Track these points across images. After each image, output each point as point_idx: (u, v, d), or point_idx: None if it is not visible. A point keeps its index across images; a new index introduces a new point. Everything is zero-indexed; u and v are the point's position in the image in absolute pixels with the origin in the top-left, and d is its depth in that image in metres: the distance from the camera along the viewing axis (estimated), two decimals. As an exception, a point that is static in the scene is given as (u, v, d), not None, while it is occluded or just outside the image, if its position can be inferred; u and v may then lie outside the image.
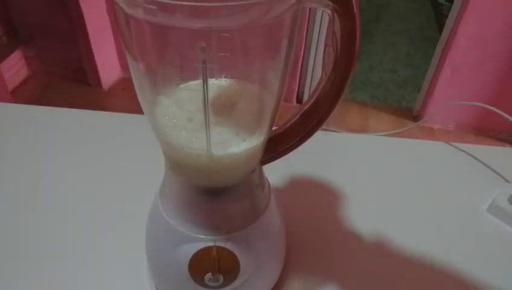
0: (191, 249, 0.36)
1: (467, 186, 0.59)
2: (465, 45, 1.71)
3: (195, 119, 0.31)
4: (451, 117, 1.94)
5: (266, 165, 0.38)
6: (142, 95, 0.31)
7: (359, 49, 0.30)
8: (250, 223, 0.37)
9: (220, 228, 0.36)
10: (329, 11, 0.29)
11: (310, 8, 0.30)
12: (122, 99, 2.05)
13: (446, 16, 1.79)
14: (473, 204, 0.56)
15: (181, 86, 0.32)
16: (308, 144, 0.36)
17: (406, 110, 2.09)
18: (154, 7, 0.23)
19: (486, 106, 0.65)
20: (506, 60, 1.73)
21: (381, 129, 1.88)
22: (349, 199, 0.56)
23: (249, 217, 0.37)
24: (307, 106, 0.35)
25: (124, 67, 2.19)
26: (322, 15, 1.79)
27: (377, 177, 0.59)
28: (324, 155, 0.62)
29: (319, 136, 0.36)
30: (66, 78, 2.14)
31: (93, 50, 1.98)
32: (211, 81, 0.32)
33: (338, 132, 0.68)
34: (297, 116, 0.36)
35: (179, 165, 0.34)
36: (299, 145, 0.36)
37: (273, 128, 0.36)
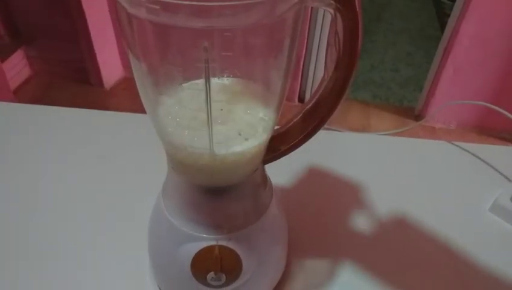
0: (193, 248, 0.36)
1: (469, 185, 0.59)
2: (468, 43, 1.71)
3: (197, 119, 0.31)
4: (453, 116, 1.93)
5: (268, 164, 0.38)
6: (145, 95, 0.32)
7: (361, 48, 0.30)
8: (253, 222, 0.37)
9: (222, 227, 0.36)
10: (331, 11, 0.29)
11: (311, 8, 0.30)
12: (124, 98, 2.05)
13: (448, 15, 1.78)
14: (476, 204, 0.55)
15: (183, 85, 0.32)
16: (310, 143, 0.36)
17: (407, 109, 2.09)
18: (157, 7, 0.23)
19: (489, 105, 0.65)
20: (508, 59, 1.72)
21: (383, 128, 1.88)
22: (351, 198, 0.56)
23: (251, 216, 0.37)
24: (309, 105, 0.35)
25: (126, 66, 2.19)
26: (323, 14, 1.79)
27: (379, 176, 0.59)
28: (326, 154, 0.62)
29: (320, 135, 0.36)
30: (68, 78, 2.14)
31: (95, 49, 1.99)
32: (214, 81, 0.32)
33: (340, 131, 0.68)
34: (300, 116, 0.36)
35: (181, 165, 0.34)
36: (301, 145, 0.36)
37: (275, 127, 0.36)
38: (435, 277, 0.47)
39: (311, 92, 2.03)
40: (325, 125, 0.35)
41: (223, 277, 0.36)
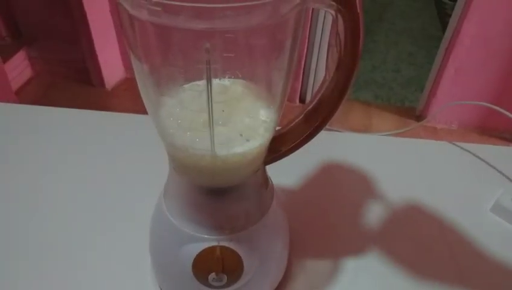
0: (194, 248, 0.36)
1: (471, 186, 0.59)
2: (469, 43, 1.71)
3: (199, 120, 0.31)
4: (454, 116, 1.93)
5: (269, 165, 0.38)
6: (146, 96, 0.32)
7: (362, 49, 0.30)
8: (254, 222, 0.37)
9: (224, 227, 0.36)
10: (332, 12, 0.29)
11: (312, 8, 0.30)
12: (125, 99, 2.05)
13: (450, 15, 1.78)
14: (477, 204, 0.55)
15: (185, 86, 0.32)
16: (311, 143, 0.36)
17: (409, 109, 2.08)
18: (159, 8, 0.24)
19: (490, 105, 0.65)
20: (510, 59, 1.72)
21: (384, 129, 1.88)
22: (353, 199, 0.56)
23: (252, 217, 0.37)
24: (311, 106, 0.35)
25: (127, 67, 2.19)
26: (324, 15, 1.79)
27: (380, 177, 0.59)
28: (327, 155, 0.62)
29: (322, 135, 0.36)
30: (69, 79, 2.15)
31: (96, 50, 1.99)
32: (215, 82, 0.32)
33: (341, 131, 0.68)
34: (301, 116, 0.36)
35: (183, 165, 0.35)
36: (302, 145, 0.36)
37: (277, 128, 0.36)
38: (436, 277, 0.47)
39: (312, 92, 2.03)
40: (327, 126, 0.35)
41: (225, 278, 0.36)
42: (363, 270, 0.47)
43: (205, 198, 0.35)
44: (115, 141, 0.64)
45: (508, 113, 0.61)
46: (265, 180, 0.39)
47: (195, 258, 0.36)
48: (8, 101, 0.72)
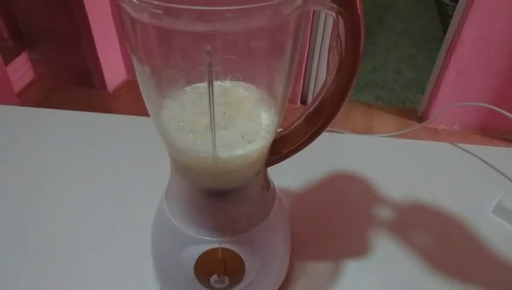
0: (196, 250, 0.36)
1: (472, 187, 0.59)
2: (470, 45, 1.71)
3: (200, 122, 0.31)
4: (456, 118, 1.93)
5: (271, 166, 0.38)
6: (148, 98, 0.32)
7: (363, 51, 0.30)
8: (256, 224, 0.37)
9: (226, 229, 0.36)
10: (333, 14, 0.29)
11: (313, 10, 0.30)
12: (127, 101, 2.06)
13: (450, 16, 1.78)
14: (479, 205, 0.55)
15: (186, 88, 0.32)
16: (313, 145, 0.36)
17: (410, 111, 2.08)
18: (160, 11, 0.24)
19: (492, 106, 0.65)
20: (511, 61, 1.72)
21: (385, 130, 1.88)
22: (354, 201, 0.56)
23: (254, 219, 0.37)
24: (312, 108, 0.35)
25: (129, 69, 2.20)
26: (325, 17, 1.79)
27: (382, 178, 0.59)
28: (329, 156, 0.62)
29: (323, 137, 0.36)
30: (71, 81, 2.15)
31: (98, 52, 2.00)
32: (216, 84, 0.32)
33: (342, 132, 0.68)
34: (302, 118, 0.36)
35: (184, 168, 0.35)
36: (304, 147, 0.36)
37: (278, 130, 0.36)
38: (438, 278, 0.47)
39: (313, 94, 2.03)
40: (328, 127, 0.35)
41: (226, 280, 0.36)
42: (365, 272, 0.47)
43: (207, 200, 0.35)
44: (116, 143, 0.64)
45: (509, 115, 0.61)
46: (267, 182, 0.39)
47: (197, 260, 0.36)
48: (10, 104, 0.72)
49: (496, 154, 0.64)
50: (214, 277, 0.36)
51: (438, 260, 0.49)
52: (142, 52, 0.29)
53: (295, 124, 0.37)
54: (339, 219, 0.53)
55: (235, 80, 0.33)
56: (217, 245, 0.35)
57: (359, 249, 0.49)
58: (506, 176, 0.60)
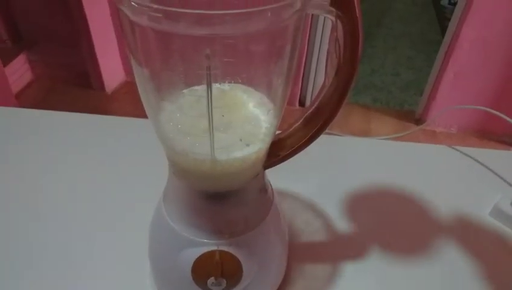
0: (194, 253, 0.36)
1: (470, 190, 0.59)
2: (468, 47, 1.71)
3: (198, 125, 0.31)
4: (454, 120, 1.94)
5: (269, 169, 0.38)
6: (147, 101, 0.32)
7: (361, 54, 0.30)
8: (253, 227, 0.37)
9: (223, 232, 0.36)
10: (332, 17, 0.29)
11: (312, 14, 0.30)
12: (126, 103, 2.06)
13: (449, 19, 1.79)
14: (476, 208, 0.55)
15: (185, 91, 0.33)
16: (311, 147, 0.36)
17: (408, 113, 2.09)
18: (159, 15, 0.24)
19: (490, 109, 0.66)
20: (509, 63, 1.72)
21: (383, 132, 1.88)
22: (352, 203, 0.56)
23: (252, 221, 0.37)
24: (310, 110, 0.35)
25: (128, 71, 2.20)
26: (324, 20, 1.79)
27: (380, 181, 0.60)
28: (327, 159, 0.62)
29: (321, 139, 0.36)
30: (70, 82, 2.15)
31: (97, 53, 1.99)
32: (215, 87, 0.32)
33: (341, 135, 0.68)
34: (301, 121, 0.36)
35: (182, 170, 0.35)
36: (302, 150, 0.36)
37: (276, 132, 0.36)
38: (435, 281, 0.47)
39: (311, 96, 2.04)
40: (326, 130, 0.35)
41: (224, 282, 0.36)
42: (362, 274, 0.47)
43: (205, 202, 0.35)
44: (114, 144, 0.64)
45: (507, 118, 0.61)
46: (265, 185, 0.39)
47: (194, 263, 0.36)
48: (8, 105, 0.72)
49: (493, 157, 0.64)
50: (212, 280, 0.36)
51: (434, 262, 0.49)
52: (141, 55, 0.29)
53: (293, 127, 0.37)
54: (337, 221, 0.53)
55: (234, 83, 0.33)
56: (214, 247, 0.35)
57: (357, 251, 0.50)
58: (503, 179, 0.60)
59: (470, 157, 0.64)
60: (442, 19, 2.89)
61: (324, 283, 0.46)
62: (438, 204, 0.56)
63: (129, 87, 2.17)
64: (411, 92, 2.25)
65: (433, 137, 1.93)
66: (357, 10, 0.29)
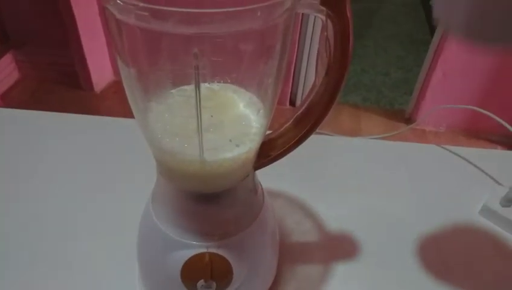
0: (183, 255, 0.35)
1: (459, 189, 0.59)
2: (457, 47, 1.73)
3: (187, 125, 0.31)
4: (443, 119, 1.95)
5: (259, 169, 0.38)
6: (134, 101, 0.31)
7: (352, 53, 0.30)
8: (244, 228, 0.37)
9: (213, 234, 0.35)
10: (322, 17, 0.29)
11: (302, 13, 0.30)
12: (115, 102, 2.04)
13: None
14: (465, 207, 0.56)
15: (173, 91, 0.32)
16: (301, 147, 0.36)
17: (398, 112, 2.10)
18: (147, 13, 0.23)
19: (479, 109, 0.66)
20: (496, 63, 1.74)
21: (373, 131, 1.89)
22: (343, 203, 0.56)
23: (242, 223, 0.37)
24: (300, 110, 0.35)
25: (117, 70, 2.17)
26: (315, 18, 1.79)
27: (370, 180, 0.60)
28: (317, 158, 0.62)
29: (311, 139, 0.36)
30: (58, 82, 2.12)
31: (85, 53, 1.97)
32: (204, 86, 0.32)
33: (331, 135, 0.68)
34: (291, 121, 0.36)
35: (170, 171, 0.34)
36: (292, 150, 0.36)
37: (267, 132, 0.35)
38: (426, 280, 0.47)
39: (302, 95, 2.04)
40: (316, 129, 0.35)
41: (214, 285, 0.36)
42: (354, 275, 0.47)
43: (194, 204, 0.35)
44: (103, 145, 0.63)
45: (495, 117, 0.62)
46: (255, 186, 0.38)
47: (183, 265, 0.35)
48: (-7, 105, 0.71)
49: (482, 155, 0.65)
50: (201, 282, 0.35)
51: (425, 261, 0.49)
52: (128, 54, 0.28)
53: (284, 127, 0.37)
54: (328, 221, 0.53)
55: (223, 83, 0.33)
56: (204, 250, 0.35)
57: (348, 251, 0.49)
58: (492, 178, 0.60)
59: (459, 156, 0.64)
60: (431, 19, 2.91)
61: (315, 283, 0.46)
62: (427, 203, 0.56)
63: (118, 86, 2.15)
64: (401, 91, 2.27)
65: (422, 136, 1.94)
66: (347, 10, 0.29)
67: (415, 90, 1.98)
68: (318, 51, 0.32)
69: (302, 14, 0.30)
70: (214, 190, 0.34)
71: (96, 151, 0.62)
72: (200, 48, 0.26)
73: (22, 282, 0.44)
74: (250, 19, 0.25)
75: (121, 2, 0.24)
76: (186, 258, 0.35)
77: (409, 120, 2.01)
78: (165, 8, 0.23)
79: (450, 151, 0.65)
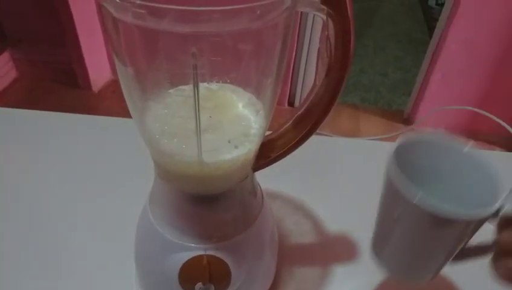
0: (181, 257, 0.35)
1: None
2: (456, 48, 1.73)
3: (185, 126, 0.30)
4: (441, 120, 1.95)
5: (258, 171, 0.37)
6: (131, 101, 0.31)
7: (353, 52, 0.30)
8: (242, 231, 0.36)
9: (211, 236, 0.35)
10: (323, 16, 0.29)
11: (301, 12, 0.29)
12: (113, 101, 2.03)
13: (436, 20, 1.80)
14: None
15: (171, 91, 0.32)
16: (300, 148, 0.36)
17: (396, 113, 2.10)
18: (144, 11, 0.23)
19: (479, 110, 0.66)
20: (495, 64, 1.74)
21: (372, 132, 1.88)
22: (342, 204, 0.55)
23: (240, 225, 0.36)
24: (300, 111, 0.35)
25: (114, 69, 2.16)
26: (313, 18, 1.79)
27: (370, 181, 0.59)
28: (316, 160, 0.62)
29: (311, 140, 0.35)
30: (55, 80, 2.11)
31: (83, 51, 1.96)
32: (203, 86, 0.31)
33: (330, 135, 0.68)
34: (290, 122, 0.36)
35: (168, 172, 0.34)
36: (291, 152, 0.36)
37: (266, 133, 0.35)
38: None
39: (300, 95, 2.03)
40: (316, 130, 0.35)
41: (212, 288, 0.35)
42: (353, 276, 0.46)
43: (192, 206, 0.34)
44: (101, 145, 0.63)
45: (494, 118, 0.62)
46: (254, 187, 0.38)
47: (181, 268, 0.35)
48: (-11, 104, 0.70)
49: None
50: (199, 285, 0.35)
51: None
52: (125, 53, 0.28)
53: (283, 128, 0.36)
54: (327, 223, 0.52)
55: (222, 83, 0.32)
56: (202, 252, 0.35)
57: (347, 252, 0.49)
58: (492, 180, 0.60)
59: (459, 157, 0.64)
60: (429, 19, 2.91)
61: (314, 284, 0.45)
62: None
63: (116, 86, 2.14)
64: (399, 92, 2.26)
65: (420, 137, 1.94)
66: (348, 9, 0.28)
67: (414, 91, 1.97)
68: (319, 51, 0.32)
69: (301, 12, 0.29)
70: (212, 191, 0.34)
71: (93, 151, 0.61)
72: (199, 47, 0.26)
73: (19, 282, 0.44)
74: (249, 17, 0.25)
75: (118, -1, 0.23)
76: (184, 261, 0.35)
77: (407, 121, 2.01)
78: (162, 5, 0.22)
79: (450, 152, 0.65)
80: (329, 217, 0.53)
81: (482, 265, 0.48)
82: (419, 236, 0.32)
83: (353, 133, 1.91)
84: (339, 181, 0.59)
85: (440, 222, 0.29)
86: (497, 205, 0.30)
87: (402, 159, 0.33)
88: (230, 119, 0.33)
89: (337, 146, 0.67)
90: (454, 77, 1.81)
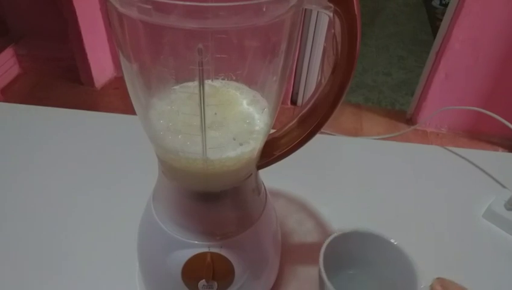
0: (184, 255, 0.35)
1: (463, 191, 0.59)
2: (459, 48, 1.72)
3: (190, 123, 0.30)
4: (445, 120, 1.94)
5: (262, 169, 0.37)
6: (136, 97, 0.31)
7: (359, 51, 0.30)
8: (246, 228, 0.36)
9: (215, 233, 0.35)
10: (330, 13, 0.28)
11: (305, 9, 0.29)
12: (115, 98, 2.03)
13: (440, 20, 1.79)
14: (469, 210, 0.55)
15: (176, 88, 0.31)
16: (304, 146, 0.35)
17: (399, 112, 2.09)
18: (149, 6, 0.23)
19: (483, 110, 0.65)
20: (499, 64, 1.74)
21: (375, 131, 1.88)
22: (345, 203, 0.55)
23: (244, 223, 0.36)
24: (305, 110, 0.35)
25: (117, 66, 2.17)
26: (317, 16, 1.78)
27: (372, 180, 0.59)
28: (320, 158, 0.62)
29: (314, 138, 0.35)
30: (58, 77, 2.11)
31: (86, 48, 1.96)
32: (208, 83, 0.31)
33: (334, 134, 0.68)
34: (295, 120, 0.35)
35: (173, 169, 0.33)
36: (296, 150, 0.35)
37: (270, 131, 0.35)
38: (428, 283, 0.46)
39: (303, 94, 2.03)
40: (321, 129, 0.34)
41: (215, 285, 0.35)
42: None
43: (195, 203, 0.34)
44: (103, 141, 0.63)
45: (499, 118, 0.61)
46: (258, 185, 0.38)
47: (184, 265, 0.35)
48: (-7, 100, 0.70)
49: (486, 158, 0.64)
50: (202, 282, 0.35)
51: (428, 264, 0.48)
52: (130, 49, 0.28)
53: (288, 126, 0.36)
54: (329, 221, 0.52)
55: (227, 80, 0.32)
56: (205, 249, 0.34)
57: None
58: (497, 181, 0.60)
59: (463, 158, 0.64)
60: (433, 19, 2.90)
61: (317, 283, 0.45)
62: (431, 206, 0.56)
63: (119, 82, 2.14)
64: (402, 92, 2.26)
65: (424, 137, 1.93)
66: (355, 7, 0.28)
67: (417, 91, 1.97)
68: (324, 49, 0.32)
69: (305, 10, 0.29)
70: (216, 189, 0.34)
71: (96, 147, 0.61)
72: (204, 44, 0.26)
73: (21, 281, 0.44)
74: (255, 14, 0.24)
75: (124, -6, 0.23)
76: (187, 258, 0.34)
77: (410, 121, 2.01)
78: (168, 1, 0.22)
79: (453, 152, 0.65)
80: (332, 215, 0.53)
81: (482, 266, 0.48)
82: None
83: (356, 133, 1.90)
84: (342, 180, 0.59)
85: None
86: None
87: (338, 248, 0.40)
88: (235, 116, 0.32)
89: (340, 145, 0.66)
90: (457, 77, 1.80)
